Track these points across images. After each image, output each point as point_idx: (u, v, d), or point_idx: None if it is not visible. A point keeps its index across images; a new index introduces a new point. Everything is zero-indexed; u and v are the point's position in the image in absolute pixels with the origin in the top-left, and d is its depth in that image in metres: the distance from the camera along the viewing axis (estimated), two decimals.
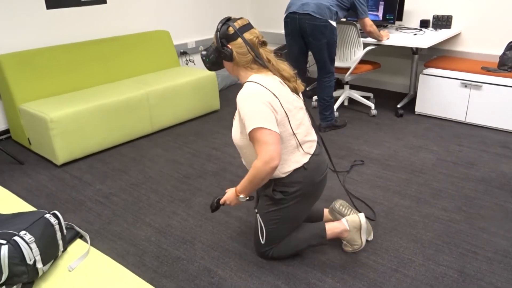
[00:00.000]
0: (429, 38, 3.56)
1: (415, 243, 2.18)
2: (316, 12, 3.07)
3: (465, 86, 3.50)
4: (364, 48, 3.58)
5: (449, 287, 1.88)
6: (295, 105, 1.89)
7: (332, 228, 2.06)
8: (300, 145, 1.90)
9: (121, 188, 2.81)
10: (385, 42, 3.55)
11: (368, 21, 3.34)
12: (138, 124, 3.48)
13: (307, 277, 1.97)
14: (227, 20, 1.84)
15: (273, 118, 1.75)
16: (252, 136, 1.76)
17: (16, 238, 1.33)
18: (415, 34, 3.78)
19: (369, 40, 3.59)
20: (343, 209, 2.17)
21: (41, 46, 3.60)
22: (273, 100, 1.76)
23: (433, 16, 4.01)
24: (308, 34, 3.15)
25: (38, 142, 3.19)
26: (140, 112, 3.46)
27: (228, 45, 1.83)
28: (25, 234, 1.37)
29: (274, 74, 1.87)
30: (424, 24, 4.05)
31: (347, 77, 3.76)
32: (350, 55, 3.64)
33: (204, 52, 1.94)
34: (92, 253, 1.51)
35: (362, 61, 3.91)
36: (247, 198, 1.92)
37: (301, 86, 1.96)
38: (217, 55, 1.88)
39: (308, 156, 1.93)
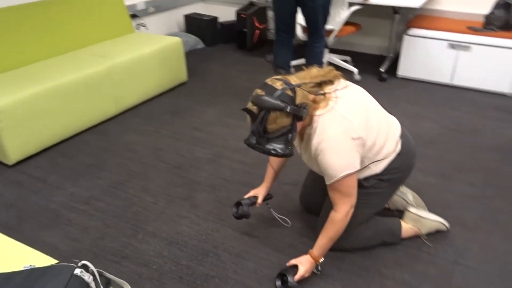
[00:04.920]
0: None
1: (461, 228, 2.00)
2: None
3: (453, 47, 3.36)
4: (348, 7, 3.27)
5: None
6: None
7: (406, 228, 1.91)
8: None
9: (102, 189, 2.30)
10: (372, 1, 3.26)
11: None
12: (101, 105, 2.90)
13: (367, 283, 1.71)
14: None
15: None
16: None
17: None
18: None
19: None
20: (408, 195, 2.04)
21: None
22: None
23: None
24: None
25: None
26: (102, 91, 2.87)
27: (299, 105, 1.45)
28: None
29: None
30: None
31: (330, 40, 3.44)
32: (334, 16, 3.31)
33: (279, 147, 1.45)
34: None
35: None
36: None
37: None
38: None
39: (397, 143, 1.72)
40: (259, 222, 2.04)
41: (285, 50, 3.05)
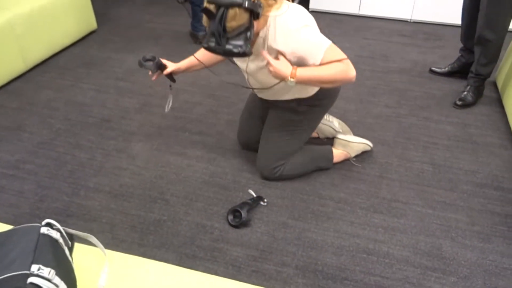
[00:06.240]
0: None
1: (382, 146, 2.24)
2: None
3: None
4: None
5: (431, 180, 2.01)
6: None
7: (337, 153, 2.07)
8: None
9: (28, 151, 2.18)
10: None
11: None
12: (7, 62, 2.65)
13: (308, 206, 1.88)
14: None
15: None
16: None
17: (33, 279, 0.90)
18: None
19: None
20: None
21: None
22: None
23: None
24: None
25: None
26: (6, 46, 2.61)
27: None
28: (40, 268, 0.93)
29: None
30: None
31: None
32: None
33: (239, 44, 1.45)
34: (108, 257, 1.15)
35: None
36: None
37: None
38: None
39: None
40: (200, 163, 2.10)
41: None
